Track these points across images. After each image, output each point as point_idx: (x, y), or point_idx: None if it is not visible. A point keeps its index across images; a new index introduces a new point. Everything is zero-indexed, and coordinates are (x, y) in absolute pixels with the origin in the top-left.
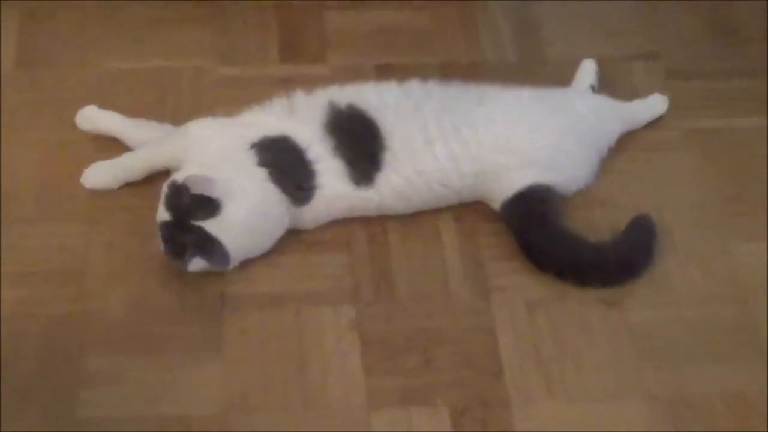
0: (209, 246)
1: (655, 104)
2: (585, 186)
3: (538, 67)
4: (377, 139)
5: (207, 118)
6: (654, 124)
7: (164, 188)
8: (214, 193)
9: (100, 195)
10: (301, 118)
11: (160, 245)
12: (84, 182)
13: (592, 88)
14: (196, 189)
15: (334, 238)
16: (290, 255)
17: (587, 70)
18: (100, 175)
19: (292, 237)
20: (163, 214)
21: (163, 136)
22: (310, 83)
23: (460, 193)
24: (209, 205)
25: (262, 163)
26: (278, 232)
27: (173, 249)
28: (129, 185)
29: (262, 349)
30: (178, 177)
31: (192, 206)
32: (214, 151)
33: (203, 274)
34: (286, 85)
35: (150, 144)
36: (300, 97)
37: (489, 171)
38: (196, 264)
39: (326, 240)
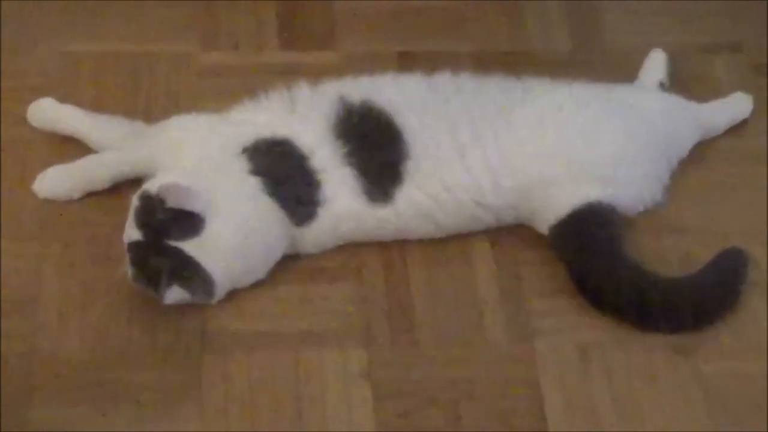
0: (190, 272)
1: (737, 105)
2: (652, 205)
3: (596, 58)
4: (397, 144)
5: (189, 114)
6: (737, 130)
7: (134, 200)
8: (196, 207)
9: (55, 207)
10: (304, 116)
11: (128, 270)
12: (37, 191)
13: (662, 86)
14: (173, 201)
15: (342, 265)
16: (288, 285)
17: (656, 63)
18: (56, 182)
19: (291, 263)
20: (132, 233)
21: (134, 137)
22: (315, 74)
23: (499, 214)
24: (189, 222)
25: (256, 170)
26: (274, 256)
27: (145, 275)
28: (91, 196)
29: (252, 400)
30: (152, 186)
31: (168, 223)
32: (197, 156)
33: (180, 307)
34: (285, 76)
35: (118, 145)
36: (303, 90)
37: (534, 186)
38: (174, 294)
39: (332, 267)
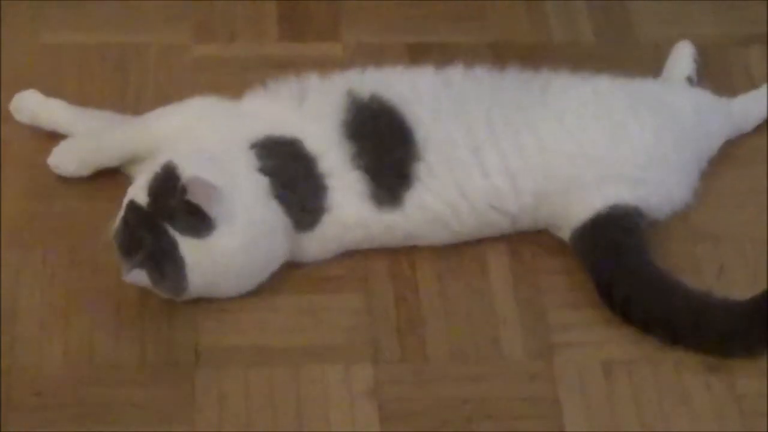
0: (169, 269)
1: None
2: (681, 207)
3: (622, 51)
4: (407, 144)
5: (208, 97)
6: None
7: (157, 167)
8: (213, 211)
9: (34, 211)
10: (313, 111)
11: (113, 227)
12: (54, 166)
13: (689, 81)
14: (196, 197)
15: (347, 274)
16: (288, 295)
17: (683, 56)
18: (67, 157)
19: (291, 271)
20: (140, 194)
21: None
22: (318, 68)
23: (516, 219)
24: (200, 222)
25: (265, 170)
26: (272, 265)
27: (126, 239)
28: (71, 198)
29: (248, 421)
30: (180, 166)
31: (178, 211)
32: (212, 144)
33: (172, 319)
34: (286, 70)
35: (129, 122)
36: (313, 81)
37: (556, 188)
38: (138, 277)
39: (336, 276)
